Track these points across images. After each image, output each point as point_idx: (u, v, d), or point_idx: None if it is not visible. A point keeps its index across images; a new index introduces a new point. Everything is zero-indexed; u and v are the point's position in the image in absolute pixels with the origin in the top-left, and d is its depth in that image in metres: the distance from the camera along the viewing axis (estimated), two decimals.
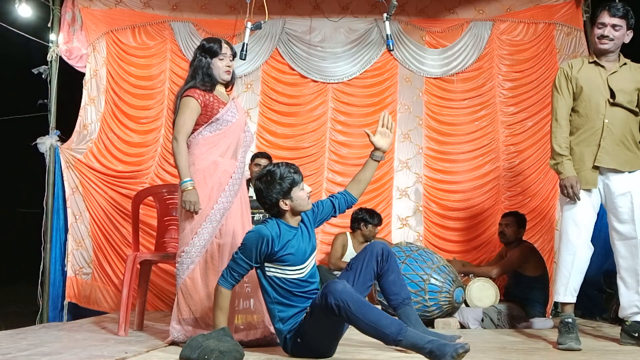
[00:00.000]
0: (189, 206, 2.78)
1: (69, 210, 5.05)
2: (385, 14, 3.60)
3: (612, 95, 2.91)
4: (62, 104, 5.27)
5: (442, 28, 5.37)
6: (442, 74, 5.30)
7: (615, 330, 3.19)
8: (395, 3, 3.55)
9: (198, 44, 3.17)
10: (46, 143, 5.04)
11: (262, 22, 3.73)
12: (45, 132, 5.09)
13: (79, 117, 5.26)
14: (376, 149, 2.85)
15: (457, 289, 3.82)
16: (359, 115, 5.33)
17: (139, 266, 3.54)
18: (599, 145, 2.90)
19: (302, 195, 2.49)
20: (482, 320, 3.88)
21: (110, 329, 3.46)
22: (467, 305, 4.01)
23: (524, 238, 4.50)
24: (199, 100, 2.88)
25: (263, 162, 4.65)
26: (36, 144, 5.05)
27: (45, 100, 5.15)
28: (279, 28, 5.38)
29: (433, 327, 3.69)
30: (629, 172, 2.90)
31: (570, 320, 2.79)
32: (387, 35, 3.66)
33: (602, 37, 2.95)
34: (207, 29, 5.32)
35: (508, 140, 5.15)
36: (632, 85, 2.94)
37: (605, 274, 5.59)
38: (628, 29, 2.96)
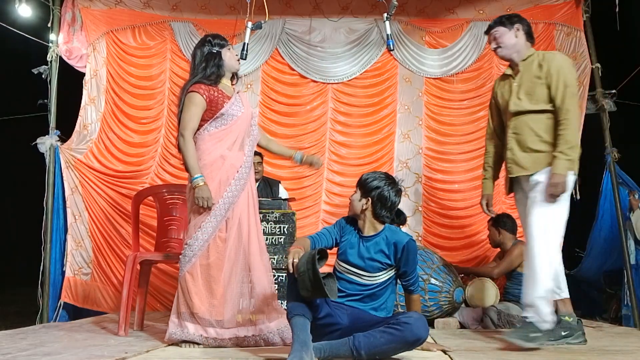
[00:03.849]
0: (202, 202, 2.77)
1: (68, 210, 5.05)
2: (385, 14, 3.59)
3: (514, 103, 2.93)
4: (62, 104, 5.26)
5: (442, 28, 5.38)
6: (442, 74, 5.30)
7: (616, 330, 3.19)
8: (396, 3, 3.55)
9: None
10: (46, 143, 5.04)
11: (262, 22, 3.73)
12: (45, 132, 5.10)
13: (79, 117, 5.26)
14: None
15: (457, 289, 3.83)
16: (359, 115, 5.34)
17: (138, 266, 3.54)
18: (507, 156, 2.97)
19: None
20: (482, 320, 3.88)
21: (110, 329, 3.46)
22: (467, 305, 4.02)
23: (523, 237, 4.49)
24: (204, 96, 2.87)
25: (255, 159, 4.65)
26: (36, 144, 5.05)
27: (45, 100, 5.15)
28: (279, 28, 5.39)
29: (433, 327, 3.69)
30: (537, 172, 2.84)
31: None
32: (387, 35, 3.66)
33: (494, 50, 3.03)
34: (207, 29, 5.32)
35: None
36: (532, 85, 2.88)
37: (605, 274, 5.61)
38: (511, 28, 2.97)
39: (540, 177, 2.80)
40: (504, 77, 3.07)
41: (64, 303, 4.94)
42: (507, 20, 2.98)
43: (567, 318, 2.85)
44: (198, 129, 2.90)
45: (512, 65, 3.00)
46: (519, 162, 2.89)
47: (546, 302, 2.71)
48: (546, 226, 2.73)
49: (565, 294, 2.90)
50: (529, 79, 2.89)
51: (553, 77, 2.80)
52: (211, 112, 2.89)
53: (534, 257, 2.73)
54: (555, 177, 2.72)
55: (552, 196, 2.73)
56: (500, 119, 3.09)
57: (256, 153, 4.72)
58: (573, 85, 2.80)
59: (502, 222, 4.33)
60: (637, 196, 5.30)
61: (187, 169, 2.84)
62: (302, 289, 2.23)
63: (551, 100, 2.81)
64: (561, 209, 2.77)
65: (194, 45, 3.08)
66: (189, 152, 2.82)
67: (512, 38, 2.95)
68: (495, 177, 3.18)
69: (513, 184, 3.03)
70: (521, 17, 2.99)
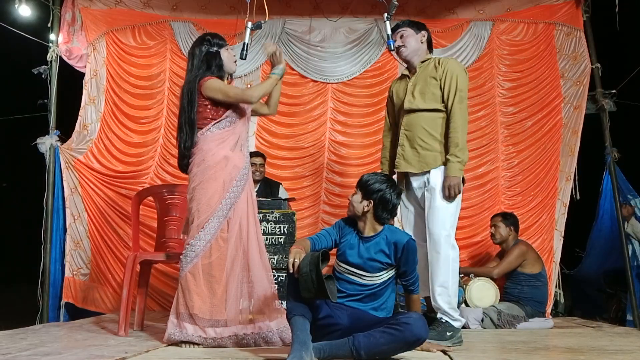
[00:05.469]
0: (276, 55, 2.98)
1: (67, 211, 5.05)
2: (385, 14, 3.59)
3: (408, 101, 3.04)
4: (62, 104, 5.27)
5: (442, 28, 5.37)
6: None
7: (616, 330, 3.19)
8: (396, 3, 3.54)
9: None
10: (46, 143, 5.04)
11: (262, 22, 3.72)
12: (45, 132, 5.10)
13: (79, 117, 5.26)
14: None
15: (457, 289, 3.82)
16: (359, 115, 5.33)
17: (138, 266, 3.54)
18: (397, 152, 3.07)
19: None
20: (482, 320, 3.88)
21: (110, 329, 3.46)
22: (467, 305, 4.02)
23: (522, 237, 4.50)
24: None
25: (258, 160, 4.66)
26: (36, 144, 5.06)
27: (45, 100, 5.15)
28: (279, 28, 5.38)
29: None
30: (427, 171, 2.97)
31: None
32: (387, 35, 3.66)
33: (397, 48, 3.12)
34: (207, 29, 5.31)
35: (507, 141, 5.15)
36: (426, 85, 3.01)
37: (605, 274, 5.61)
38: (418, 32, 3.11)
39: (435, 179, 2.93)
40: (402, 77, 3.22)
41: (65, 303, 4.95)
42: (416, 25, 3.14)
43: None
44: (201, 129, 2.90)
45: (410, 67, 3.14)
46: (407, 158, 3.03)
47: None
48: (450, 227, 2.88)
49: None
50: (424, 79, 3.04)
51: (446, 80, 2.96)
52: (217, 113, 2.89)
53: (439, 259, 2.86)
54: (449, 180, 2.88)
55: (450, 197, 2.88)
56: (393, 118, 3.22)
57: (259, 154, 4.71)
58: (463, 90, 2.96)
59: (512, 220, 4.35)
60: (632, 203, 5.31)
61: (273, 86, 3.00)
62: (303, 289, 2.23)
63: (443, 101, 2.97)
64: (457, 208, 2.93)
65: None
66: (262, 85, 2.95)
67: (417, 42, 3.10)
68: (392, 171, 3.24)
69: (403, 180, 3.14)
70: (426, 27, 3.17)
